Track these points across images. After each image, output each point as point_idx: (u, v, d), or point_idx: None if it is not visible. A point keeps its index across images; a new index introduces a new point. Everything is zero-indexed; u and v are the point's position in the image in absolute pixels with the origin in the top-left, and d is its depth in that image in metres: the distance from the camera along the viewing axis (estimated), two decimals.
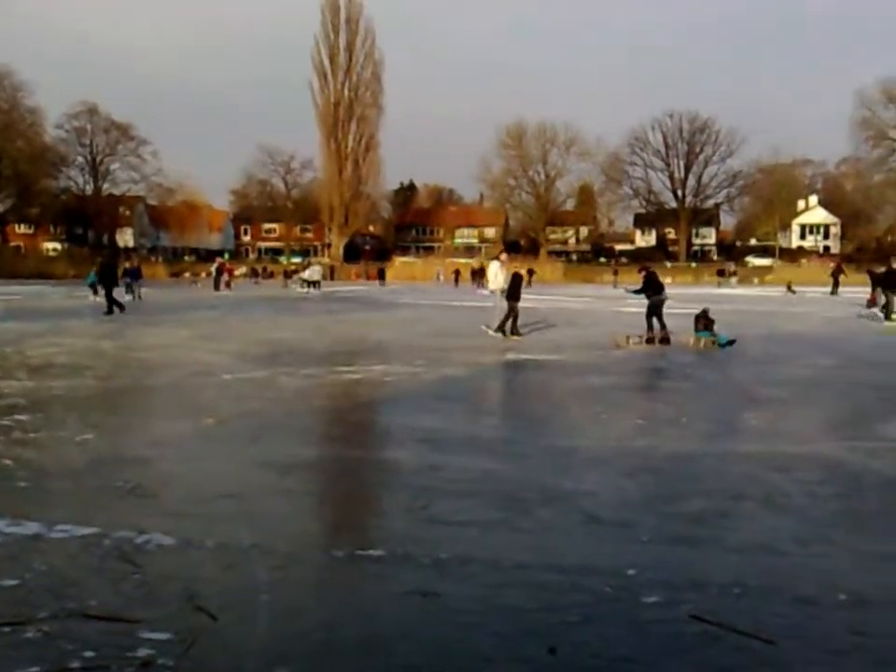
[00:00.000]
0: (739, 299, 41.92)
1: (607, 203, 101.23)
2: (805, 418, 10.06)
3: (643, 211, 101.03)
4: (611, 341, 18.29)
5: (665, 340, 17.87)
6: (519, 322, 19.54)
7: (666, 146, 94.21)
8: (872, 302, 31.21)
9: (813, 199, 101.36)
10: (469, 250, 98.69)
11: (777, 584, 4.63)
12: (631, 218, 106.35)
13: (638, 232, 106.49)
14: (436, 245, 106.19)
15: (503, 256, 21.24)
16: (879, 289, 29.37)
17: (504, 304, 19.66)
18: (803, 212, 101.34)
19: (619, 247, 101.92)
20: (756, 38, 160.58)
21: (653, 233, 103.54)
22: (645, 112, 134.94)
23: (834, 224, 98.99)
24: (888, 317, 23.98)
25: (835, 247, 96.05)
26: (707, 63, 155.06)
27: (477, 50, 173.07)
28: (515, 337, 18.99)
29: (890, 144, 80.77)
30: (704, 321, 18.20)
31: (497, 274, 20.46)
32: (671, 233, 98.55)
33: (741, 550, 5.20)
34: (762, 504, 6.24)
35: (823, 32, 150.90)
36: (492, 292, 20.71)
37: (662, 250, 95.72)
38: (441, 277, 74.91)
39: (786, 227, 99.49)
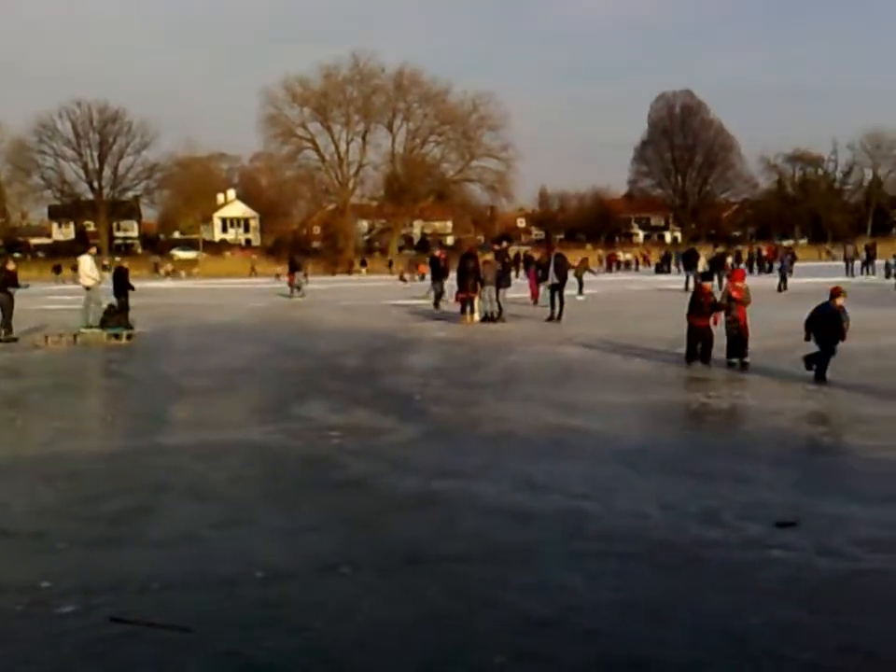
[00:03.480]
0: (177, 292, 41.95)
1: (17, 194, 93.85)
2: (230, 406, 10.39)
3: (59, 203, 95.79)
4: (30, 341, 17.09)
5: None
6: None
7: (77, 135, 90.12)
8: (291, 284, 33.90)
9: (231, 193, 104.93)
10: None
11: (197, 571, 4.71)
12: (46, 210, 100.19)
13: (55, 225, 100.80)
14: None
15: (93, 250, 21.29)
16: (297, 274, 33.65)
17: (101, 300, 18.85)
18: (223, 206, 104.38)
19: (35, 241, 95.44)
20: (162, 35, 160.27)
21: (72, 226, 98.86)
22: (53, 99, 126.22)
23: (254, 218, 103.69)
24: (435, 305, 25.07)
25: (256, 240, 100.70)
26: (113, 51, 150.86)
27: None
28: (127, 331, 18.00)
29: (298, 141, 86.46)
30: (117, 317, 17.81)
31: (90, 270, 19.43)
32: (91, 226, 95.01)
33: (162, 543, 5.20)
34: (185, 494, 6.31)
35: (238, 30, 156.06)
36: (88, 288, 19.20)
37: (82, 243, 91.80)
38: None
39: (208, 220, 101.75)
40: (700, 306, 12.35)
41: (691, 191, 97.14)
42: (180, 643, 3.84)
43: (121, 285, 19.54)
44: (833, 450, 7.52)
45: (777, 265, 35.17)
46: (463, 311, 20.86)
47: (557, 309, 20.35)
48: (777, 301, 23.16)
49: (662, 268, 53.21)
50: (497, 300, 20.73)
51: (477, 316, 20.73)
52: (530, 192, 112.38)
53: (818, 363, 10.59)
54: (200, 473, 6.96)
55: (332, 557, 4.89)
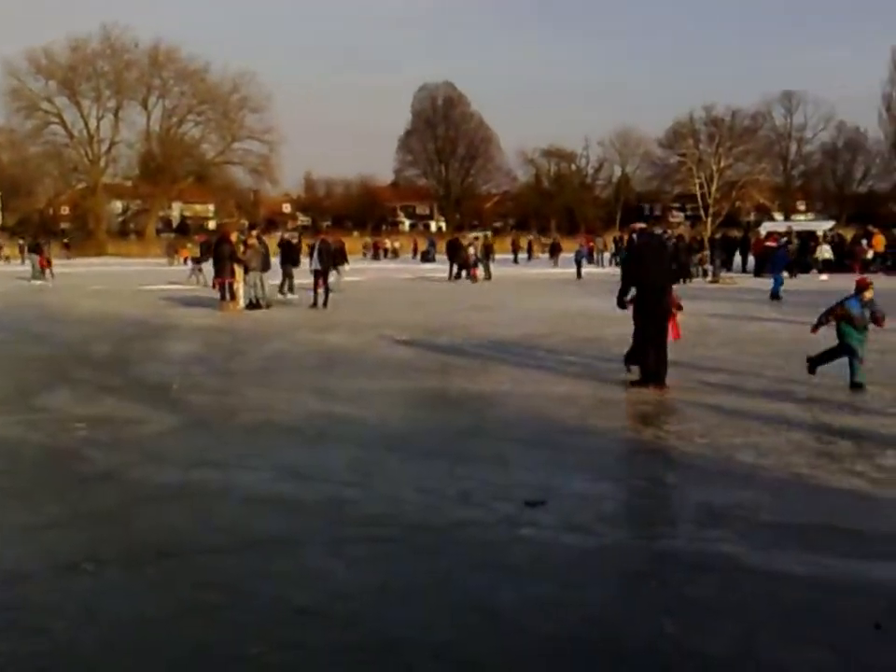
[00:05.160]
0: None
1: None
2: None
3: None
4: None
5: None
6: None
7: None
8: (43, 268, 32.18)
9: None
10: None
11: None
12: None
13: None
14: None
15: None
16: (32, 256, 33.18)
17: None
18: None
19: None
20: None
21: None
22: None
23: None
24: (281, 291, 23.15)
25: None
26: None
27: None
28: None
29: (44, 116, 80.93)
30: None
31: None
32: None
33: None
34: None
35: None
36: None
37: None
38: None
39: None
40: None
41: (454, 182, 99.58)
42: None
43: None
44: (581, 431, 7.92)
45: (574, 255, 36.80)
46: (223, 297, 20.34)
47: (322, 296, 20.30)
48: (570, 290, 24.15)
49: (427, 256, 54.26)
50: (262, 286, 20.41)
51: (242, 303, 20.30)
52: (297, 178, 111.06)
53: (822, 362, 9.74)
54: None
55: (75, 555, 4.61)
